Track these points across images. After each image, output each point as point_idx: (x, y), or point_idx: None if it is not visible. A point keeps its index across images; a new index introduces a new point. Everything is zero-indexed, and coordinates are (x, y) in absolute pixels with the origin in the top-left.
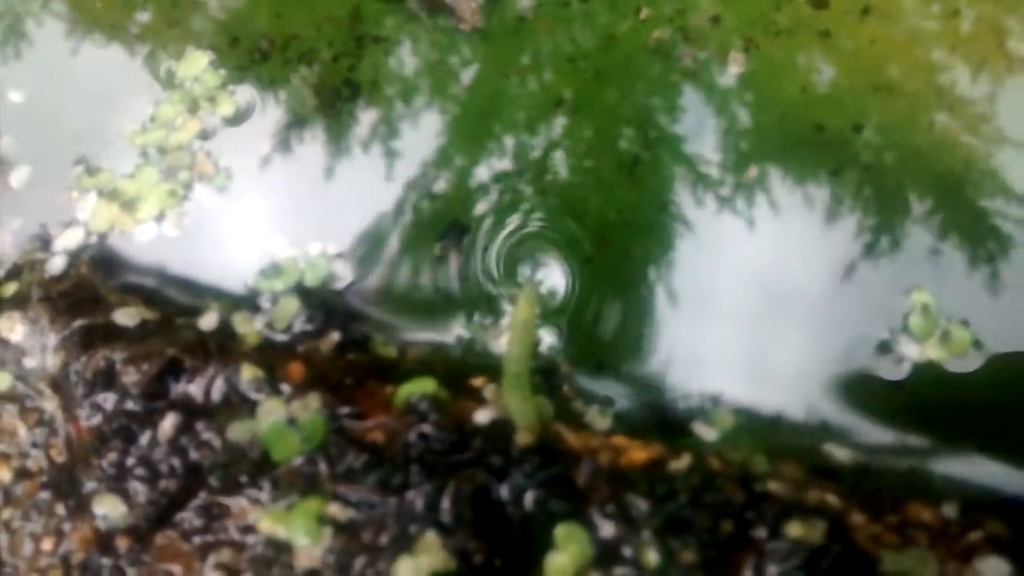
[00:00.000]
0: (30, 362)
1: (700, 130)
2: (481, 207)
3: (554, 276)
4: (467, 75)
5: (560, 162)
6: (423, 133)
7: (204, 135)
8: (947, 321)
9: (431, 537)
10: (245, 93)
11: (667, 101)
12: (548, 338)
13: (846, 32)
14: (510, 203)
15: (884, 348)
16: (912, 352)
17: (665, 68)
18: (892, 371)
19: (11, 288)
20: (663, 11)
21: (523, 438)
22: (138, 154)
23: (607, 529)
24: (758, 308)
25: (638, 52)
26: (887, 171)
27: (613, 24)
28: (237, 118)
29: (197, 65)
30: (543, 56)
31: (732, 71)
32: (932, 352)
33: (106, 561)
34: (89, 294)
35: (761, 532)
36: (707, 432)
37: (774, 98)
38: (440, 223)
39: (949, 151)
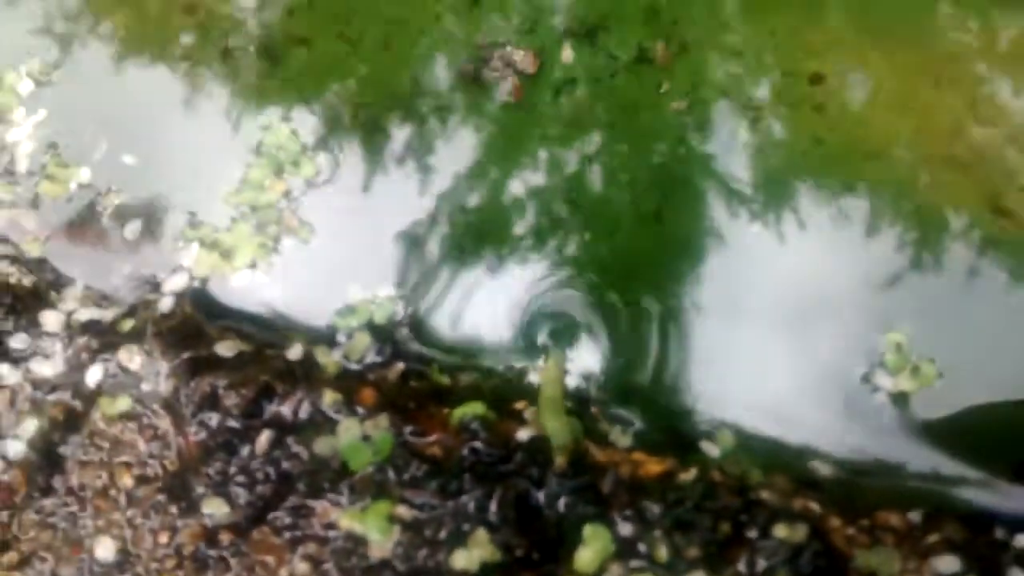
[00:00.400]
0: (146, 387)
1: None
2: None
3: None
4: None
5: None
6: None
7: (288, 194)
8: (917, 358)
9: (481, 534)
10: (323, 157)
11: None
12: (584, 363)
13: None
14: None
15: (864, 380)
16: (887, 384)
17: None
18: (870, 400)
19: (128, 324)
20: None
21: (559, 462)
22: (233, 211)
23: (626, 529)
24: (757, 345)
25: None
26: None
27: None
28: (317, 178)
29: (280, 135)
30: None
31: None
32: (904, 384)
33: (212, 552)
34: (194, 330)
35: (753, 533)
36: (711, 449)
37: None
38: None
39: None
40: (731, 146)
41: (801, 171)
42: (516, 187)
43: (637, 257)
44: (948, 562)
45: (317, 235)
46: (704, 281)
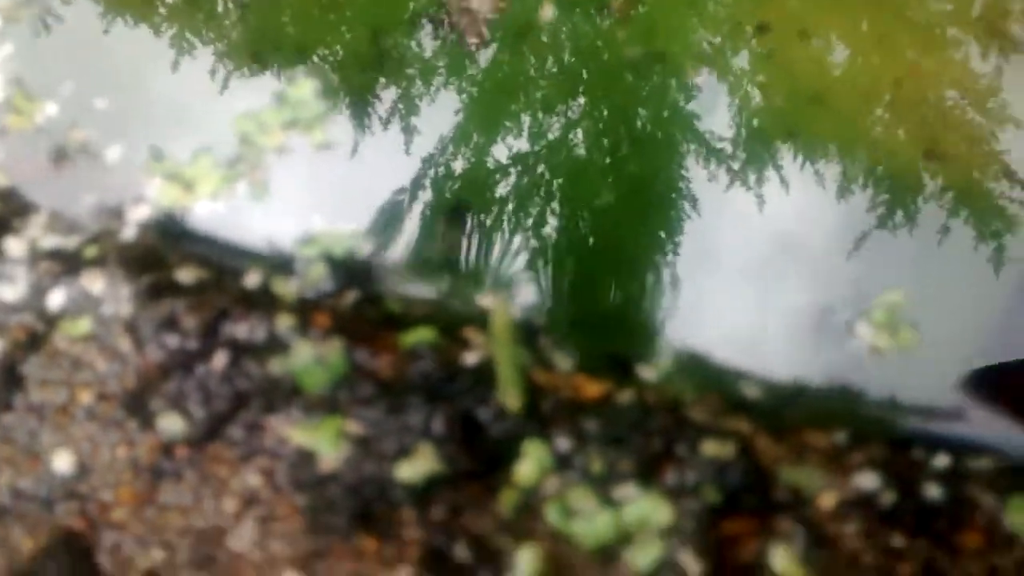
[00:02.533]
0: (107, 310)
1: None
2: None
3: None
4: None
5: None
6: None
7: (281, 150)
8: (903, 321)
9: (426, 447)
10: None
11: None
12: (535, 293)
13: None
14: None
15: (844, 326)
16: (865, 335)
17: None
18: (841, 344)
19: (91, 251)
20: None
21: (511, 402)
22: (198, 145)
23: (563, 445)
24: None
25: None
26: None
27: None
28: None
29: (305, 90)
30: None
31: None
32: (881, 341)
33: (168, 465)
34: (155, 257)
35: (683, 449)
36: (648, 373)
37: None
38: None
39: None
40: (684, 92)
41: (748, 115)
42: (498, 150)
43: (590, 191)
44: (868, 479)
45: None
46: (654, 218)
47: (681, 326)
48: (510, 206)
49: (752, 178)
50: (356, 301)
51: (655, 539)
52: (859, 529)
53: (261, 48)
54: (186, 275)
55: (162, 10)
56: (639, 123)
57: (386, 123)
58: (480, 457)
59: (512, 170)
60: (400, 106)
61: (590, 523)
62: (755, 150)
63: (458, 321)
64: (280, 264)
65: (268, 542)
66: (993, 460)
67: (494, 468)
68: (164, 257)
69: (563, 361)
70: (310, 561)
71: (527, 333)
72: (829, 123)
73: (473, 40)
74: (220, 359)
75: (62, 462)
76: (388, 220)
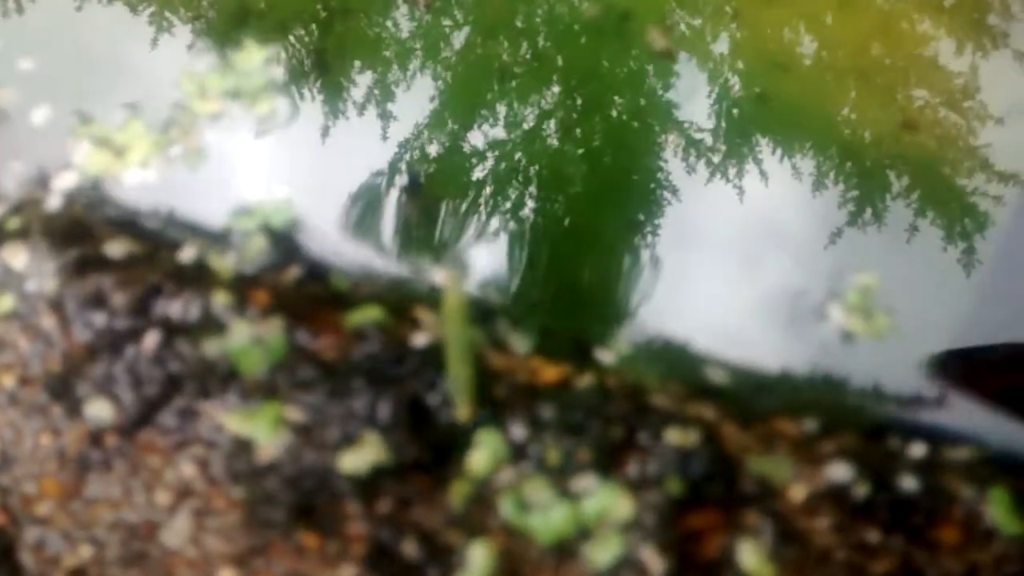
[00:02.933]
0: (30, 286)
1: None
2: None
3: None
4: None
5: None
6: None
7: (216, 117)
8: (877, 306)
9: (371, 436)
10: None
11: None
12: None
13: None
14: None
15: (815, 309)
16: (837, 317)
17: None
18: (813, 328)
19: (15, 222)
20: None
21: (463, 412)
22: (127, 110)
23: (519, 434)
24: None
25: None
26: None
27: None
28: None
29: (254, 59)
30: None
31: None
32: (854, 324)
33: (96, 455)
34: (83, 229)
35: (645, 438)
36: (609, 356)
37: None
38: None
39: None
40: (646, 55)
41: (716, 80)
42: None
43: (562, 181)
44: (840, 470)
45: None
46: (627, 204)
47: (649, 310)
48: (472, 189)
49: (732, 171)
50: (298, 278)
51: (615, 534)
52: (831, 523)
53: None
54: (115, 248)
55: None
56: (615, 112)
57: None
58: (429, 446)
59: (485, 159)
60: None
61: (547, 517)
62: (735, 140)
63: (408, 299)
64: (217, 238)
65: (203, 537)
66: (972, 450)
67: (444, 458)
68: (92, 229)
69: (520, 343)
70: (248, 558)
71: (482, 312)
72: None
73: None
74: (151, 340)
75: None
76: (348, 197)
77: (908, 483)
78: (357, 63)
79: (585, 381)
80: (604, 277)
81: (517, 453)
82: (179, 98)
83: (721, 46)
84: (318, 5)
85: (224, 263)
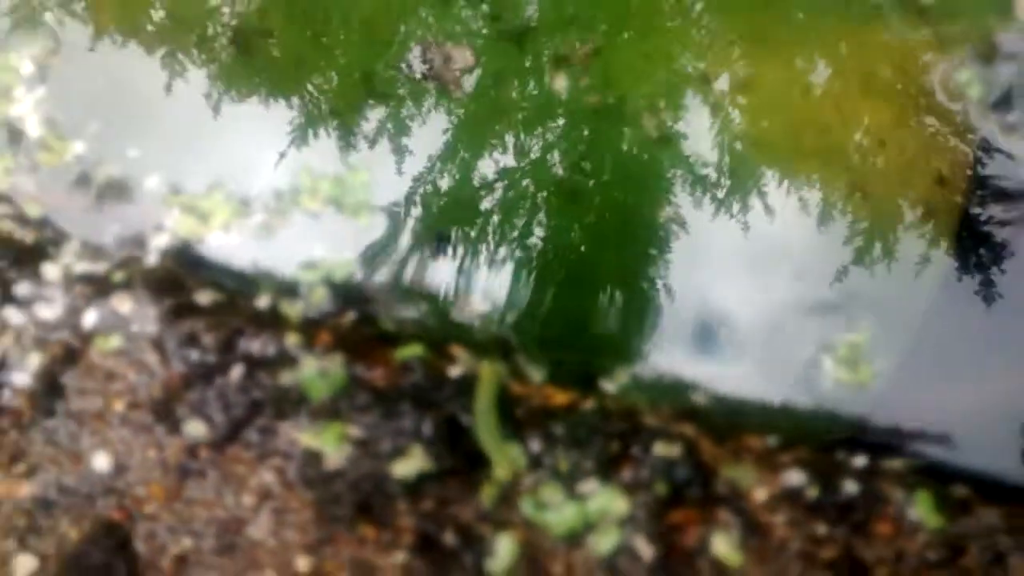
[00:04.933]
0: (135, 328)
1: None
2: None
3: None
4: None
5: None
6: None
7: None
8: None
9: (417, 448)
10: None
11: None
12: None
13: None
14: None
15: (808, 361)
16: (828, 368)
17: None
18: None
19: (119, 275)
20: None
21: (501, 472)
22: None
23: (535, 447)
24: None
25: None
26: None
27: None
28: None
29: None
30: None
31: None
32: (842, 375)
33: (193, 464)
34: (176, 281)
35: (638, 450)
36: (608, 385)
37: None
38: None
39: None
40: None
41: (706, 159)
42: (486, 169)
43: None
44: (796, 476)
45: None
46: (633, 243)
47: (645, 341)
48: (490, 234)
49: (736, 206)
50: (354, 320)
51: (614, 527)
52: (787, 519)
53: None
54: (204, 297)
55: (150, 28)
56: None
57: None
58: (464, 456)
59: (494, 190)
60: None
61: (559, 514)
62: (739, 177)
63: (444, 337)
64: (286, 288)
65: (282, 531)
66: (904, 460)
67: (476, 466)
68: (183, 281)
69: (535, 373)
70: (318, 547)
71: (504, 348)
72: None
73: (451, 87)
74: (236, 372)
75: (101, 462)
76: (382, 246)
77: (850, 487)
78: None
79: (589, 404)
80: (611, 314)
81: (534, 462)
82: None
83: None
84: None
85: (293, 309)
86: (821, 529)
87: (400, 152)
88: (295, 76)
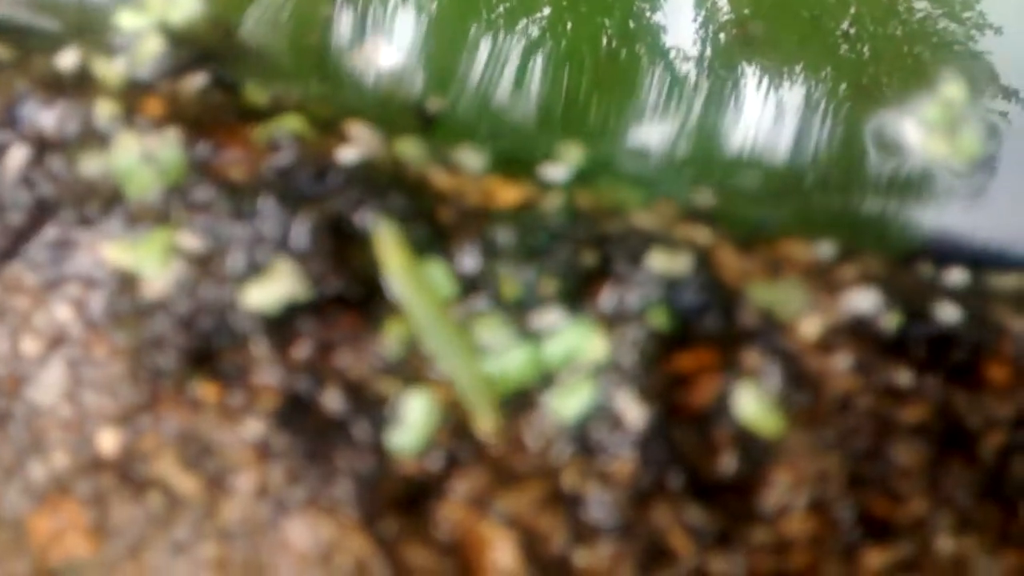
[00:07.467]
0: None
1: None
2: None
3: None
4: None
5: None
6: None
7: None
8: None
9: (283, 264)
10: None
11: None
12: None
13: None
14: None
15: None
16: (913, 138)
17: None
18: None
19: None
20: None
21: (485, 423)
22: None
23: (469, 264)
24: None
25: None
26: None
27: None
28: None
29: None
30: None
31: None
32: (936, 146)
33: None
34: None
35: (623, 264)
36: (554, 172)
37: None
38: None
39: None
40: None
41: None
42: None
43: None
44: (864, 298)
45: None
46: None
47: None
48: None
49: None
50: (204, 86)
51: (585, 379)
52: (852, 363)
53: None
54: None
55: None
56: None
57: None
58: (357, 277)
59: None
60: None
61: (502, 362)
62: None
63: (339, 113)
64: (103, 42)
65: (80, 392)
66: (1022, 278)
67: (376, 293)
68: None
69: (470, 158)
70: (132, 415)
71: (422, 120)
72: None
73: None
74: (17, 156)
75: None
76: None
77: (948, 313)
78: None
79: (552, 202)
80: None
81: (467, 287)
82: None
83: None
84: None
85: (112, 69)
86: (903, 377)
87: None
88: None
